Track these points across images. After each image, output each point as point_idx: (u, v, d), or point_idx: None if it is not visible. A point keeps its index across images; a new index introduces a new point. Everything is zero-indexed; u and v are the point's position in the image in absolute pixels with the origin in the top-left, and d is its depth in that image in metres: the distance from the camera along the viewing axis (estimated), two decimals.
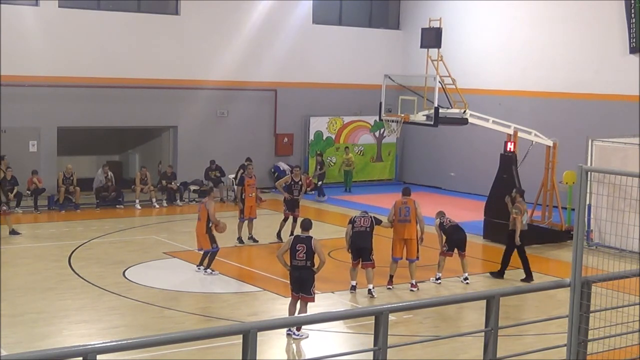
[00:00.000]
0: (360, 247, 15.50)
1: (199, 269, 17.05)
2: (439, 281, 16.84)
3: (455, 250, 17.00)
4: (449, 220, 17.17)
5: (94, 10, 26.23)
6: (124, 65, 26.44)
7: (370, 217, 15.69)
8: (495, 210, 21.20)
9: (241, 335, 6.86)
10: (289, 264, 13.02)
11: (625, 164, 18.98)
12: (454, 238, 17.02)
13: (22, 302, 14.70)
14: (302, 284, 12.86)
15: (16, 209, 23.88)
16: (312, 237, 12.99)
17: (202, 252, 17.11)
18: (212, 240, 16.90)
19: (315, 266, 12.98)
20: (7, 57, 23.97)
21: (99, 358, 6.18)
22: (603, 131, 22.20)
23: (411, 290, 16.12)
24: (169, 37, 27.29)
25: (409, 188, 17.02)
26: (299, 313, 12.88)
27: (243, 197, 19.99)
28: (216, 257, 17.09)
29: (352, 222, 15.67)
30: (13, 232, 20.52)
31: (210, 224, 16.86)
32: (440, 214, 17.43)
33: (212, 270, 16.93)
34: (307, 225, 13.27)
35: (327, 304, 14.83)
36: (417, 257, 16.24)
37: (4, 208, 21.02)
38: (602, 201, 16.77)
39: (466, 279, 16.91)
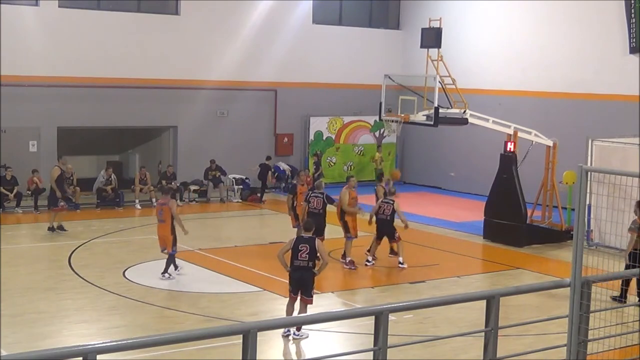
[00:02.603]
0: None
1: (165, 275, 16.49)
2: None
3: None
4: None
5: (94, 10, 26.23)
6: (124, 65, 26.43)
7: (323, 197, 17.64)
8: (495, 211, 21.22)
9: (241, 335, 6.86)
10: (289, 264, 12.95)
11: (625, 164, 18.98)
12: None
13: (22, 302, 14.69)
14: (303, 285, 12.80)
15: (16, 209, 23.89)
16: (315, 238, 12.95)
17: (165, 253, 16.67)
18: (174, 242, 16.53)
19: (317, 267, 12.91)
20: (7, 57, 23.96)
21: (99, 358, 6.18)
22: (603, 131, 22.18)
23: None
24: (169, 37, 27.28)
25: (352, 176, 19.28)
26: (298, 314, 12.82)
27: (295, 205, 18.74)
28: (218, 257, 17.06)
29: (307, 200, 17.70)
30: (61, 228, 20.97)
31: (174, 225, 16.46)
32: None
33: (176, 268, 16.71)
34: (309, 226, 13.20)
35: (327, 304, 14.83)
36: (349, 236, 18.13)
37: (62, 204, 21.19)
38: (602, 201, 16.80)
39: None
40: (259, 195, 27.33)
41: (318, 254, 12.90)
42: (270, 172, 27.83)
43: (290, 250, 12.91)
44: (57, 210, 21.04)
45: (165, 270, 16.50)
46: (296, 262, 12.80)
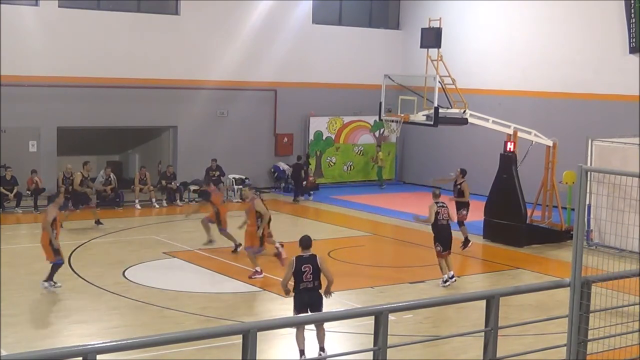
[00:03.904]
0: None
1: (49, 284, 15.40)
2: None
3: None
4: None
5: (94, 10, 26.23)
6: (124, 65, 26.42)
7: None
8: (495, 211, 21.21)
9: (241, 335, 6.86)
10: (292, 288, 12.01)
11: (625, 164, 18.98)
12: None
13: (22, 302, 14.70)
14: (313, 307, 11.94)
15: (16, 209, 23.88)
16: (316, 255, 12.13)
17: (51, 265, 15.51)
18: (56, 252, 15.41)
19: (322, 287, 12.15)
20: (7, 57, 23.95)
21: (99, 358, 6.18)
22: (603, 131, 22.19)
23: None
24: (169, 37, 27.28)
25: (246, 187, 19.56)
26: (318, 338, 11.93)
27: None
28: (217, 257, 17.03)
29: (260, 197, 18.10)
30: (98, 222, 21.98)
31: (55, 233, 15.34)
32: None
33: (55, 283, 15.43)
34: (307, 243, 12.15)
35: (327, 304, 14.80)
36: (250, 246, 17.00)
37: (71, 207, 21.88)
38: (602, 201, 16.78)
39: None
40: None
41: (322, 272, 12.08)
42: (303, 171, 27.82)
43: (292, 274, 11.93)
44: (92, 208, 22.23)
45: (49, 278, 15.38)
46: (302, 284, 11.85)
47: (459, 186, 20.12)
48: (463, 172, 20.28)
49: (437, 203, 16.57)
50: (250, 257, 16.95)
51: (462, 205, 20.05)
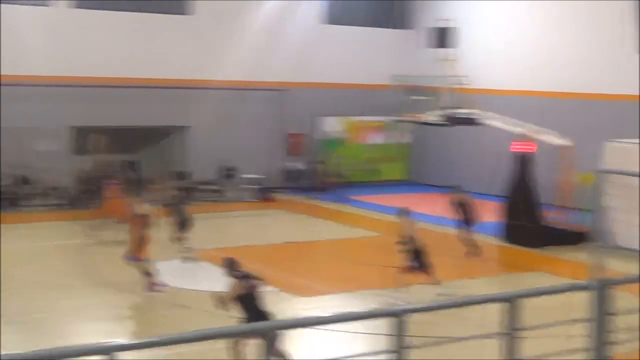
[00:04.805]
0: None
1: None
2: None
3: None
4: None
5: (102, 10, 26.36)
6: (135, 65, 26.47)
7: None
8: (511, 212, 20.97)
9: None
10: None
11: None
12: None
13: (22, 302, 14.64)
14: None
15: (26, 208, 23.82)
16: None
17: None
18: None
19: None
20: (10, 56, 23.94)
21: (99, 358, 5.98)
22: (618, 132, 21.90)
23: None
24: (179, 37, 27.30)
25: None
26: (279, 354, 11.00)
27: None
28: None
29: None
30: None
31: None
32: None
33: None
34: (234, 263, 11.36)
35: (343, 305, 14.62)
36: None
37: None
38: (621, 203, 16.54)
39: None
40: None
41: None
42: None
43: None
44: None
45: None
46: None
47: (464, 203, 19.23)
48: (457, 189, 19.46)
49: None
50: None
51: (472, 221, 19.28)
